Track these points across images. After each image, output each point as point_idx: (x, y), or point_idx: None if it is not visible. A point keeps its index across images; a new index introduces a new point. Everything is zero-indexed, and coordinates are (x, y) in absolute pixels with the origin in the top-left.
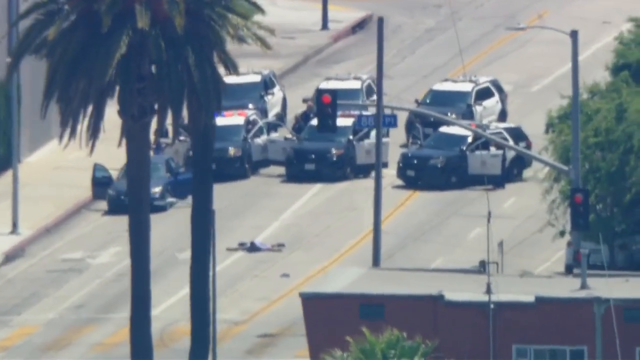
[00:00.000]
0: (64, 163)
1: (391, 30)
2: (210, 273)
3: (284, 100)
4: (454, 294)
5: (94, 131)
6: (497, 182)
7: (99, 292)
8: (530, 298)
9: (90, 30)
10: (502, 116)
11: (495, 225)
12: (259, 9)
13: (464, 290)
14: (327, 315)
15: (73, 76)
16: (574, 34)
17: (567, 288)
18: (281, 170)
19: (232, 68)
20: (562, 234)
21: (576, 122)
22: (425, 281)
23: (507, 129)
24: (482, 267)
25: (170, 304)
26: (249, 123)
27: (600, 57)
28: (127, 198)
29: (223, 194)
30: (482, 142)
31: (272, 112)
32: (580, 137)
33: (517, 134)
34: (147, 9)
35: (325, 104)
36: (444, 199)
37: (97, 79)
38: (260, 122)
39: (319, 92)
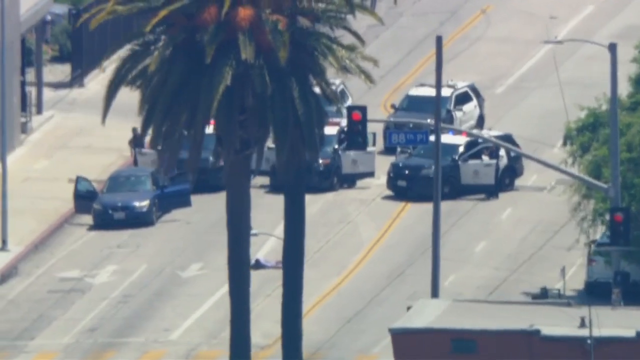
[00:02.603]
0: (32, 174)
1: None
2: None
3: None
4: (550, 329)
5: (194, 166)
6: (491, 192)
7: (110, 315)
8: (631, 333)
9: (191, 61)
10: (480, 121)
11: (498, 240)
12: (360, 40)
13: (555, 324)
14: (417, 351)
15: (174, 108)
16: (612, 47)
17: None
18: (263, 180)
19: (334, 100)
20: (592, 242)
21: (615, 139)
22: (513, 314)
23: (498, 137)
24: (545, 294)
25: (187, 327)
26: None
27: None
28: (114, 212)
29: (208, 207)
30: (476, 152)
31: None
32: (606, 152)
33: (508, 142)
34: (250, 40)
35: (355, 121)
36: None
37: (202, 111)
38: None
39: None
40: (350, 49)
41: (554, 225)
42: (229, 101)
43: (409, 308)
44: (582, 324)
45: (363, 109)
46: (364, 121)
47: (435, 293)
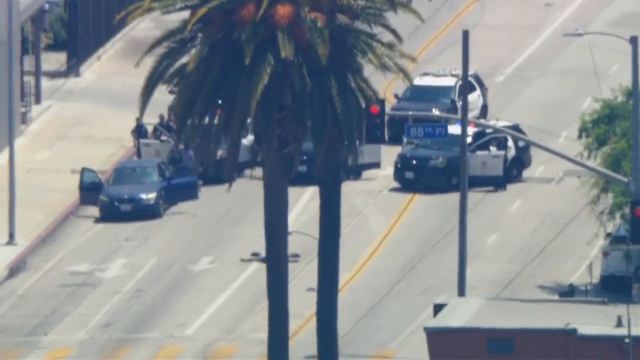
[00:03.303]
0: (34, 165)
1: None
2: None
3: None
4: (587, 328)
5: (232, 166)
6: (499, 183)
7: (123, 310)
8: None
9: (229, 59)
10: (484, 111)
11: (509, 232)
12: (398, 37)
13: (591, 323)
14: (453, 350)
15: (211, 106)
16: (634, 40)
17: None
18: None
19: (371, 98)
20: (608, 235)
21: (636, 132)
22: (548, 312)
23: (506, 128)
24: (572, 292)
25: (203, 322)
26: None
27: (555, 44)
28: (121, 204)
29: (215, 199)
30: (483, 143)
31: None
32: (626, 145)
33: (516, 132)
34: (289, 38)
35: (374, 115)
36: (447, 202)
37: (240, 110)
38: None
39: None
40: (390, 46)
41: (564, 217)
42: (267, 99)
43: (436, 305)
44: (619, 323)
45: (381, 102)
46: (382, 115)
47: (462, 292)
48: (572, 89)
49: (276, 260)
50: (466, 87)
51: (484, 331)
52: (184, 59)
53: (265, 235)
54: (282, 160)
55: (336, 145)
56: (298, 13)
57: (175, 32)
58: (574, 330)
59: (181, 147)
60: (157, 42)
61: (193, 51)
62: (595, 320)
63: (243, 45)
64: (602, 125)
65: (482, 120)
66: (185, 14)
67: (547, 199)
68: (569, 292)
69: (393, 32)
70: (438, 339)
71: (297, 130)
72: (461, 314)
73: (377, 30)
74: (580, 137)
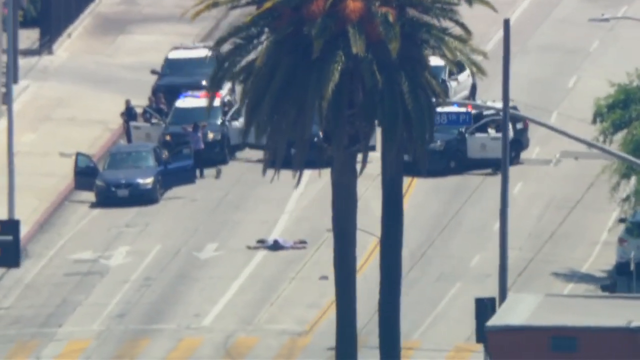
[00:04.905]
0: (20, 148)
1: None
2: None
3: None
4: None
5: (300, 163)
6: (498, 165)
7: (135, 300)
8: None
9: (298, 55)
10: (473, 91)
11: (515, 217)
12: (467, 31)
13: None
14: (515, 349)
15: (280, 103)
16: None
17: None
18: (259, 154)
19: (441, 94)
20: (622, 221)
21: None
22: (609, 309)
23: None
24: (614, 284)
25: (218, 312)
26: (225, 105)
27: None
28: (118, 189)
29: (211, 183)
30: (482, 125)
31: (227, 88)
32: None
33: (513, 115)
34: (360, 33)
35: None
36: (447, 186)
37: (310, 107)
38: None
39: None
40: (462, 40)
41: (568, 201)
42: (337, 96)
43: (477, 300)
44: None
45: None
46: None
47: (502, 297)
48: (554, 65)
49: (344, 259)
50: (507, 79)
51: (546, 329)
52: (253, 56)
53: (333, 234)
54: (351, 158)
55: (404, 143)
56: (369, 8)
57: (242, 28)
58: (639, 329)
59: (189, 129)
60: (224, 39)
61: (262, 47)
62: None
63: (312, 41)
64: (618, 110)
65: (488, 102)
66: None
67: (548, 181)
68: (610, 286)
69: (462, 25)
70: (500, 337)
71: (366, 127)
72: (520, 312)
73: (445, 24)
74: (594, 121)
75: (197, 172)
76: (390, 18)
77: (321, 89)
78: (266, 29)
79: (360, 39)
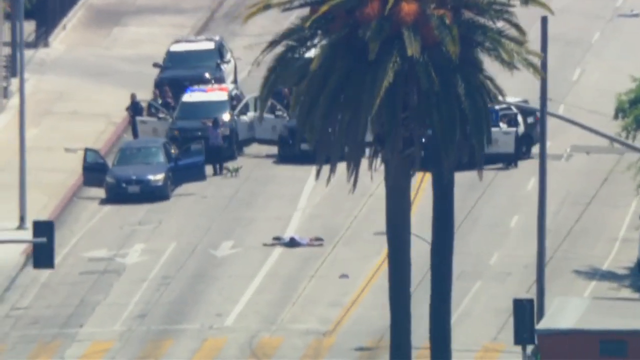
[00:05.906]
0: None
1: None
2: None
3: (235, 68)
4: None
5: (355, 167)
6: (510, 160)
7: (154, 299)
8: None
9: (352, 58)
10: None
11: (531, 213)
12: (522, 32)
13: None
14: (564, 353)
15: (334, 106)
16: None
17: None
18: (268, 149)
19: (496, 97)
20: None
21: None
22: None
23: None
24: None
25: (240, 312)
26: (232, 99)
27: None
28: (128, 186)
29: (219, 180)
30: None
31: (229, 81)
32: None
33: (525, 108)
34: (415, 35)
35: None
36: (459, 181)
37: (365, 109)
38: (247, 98)
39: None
40: (519, 42)
41: (583, 196)
42: (392, 99)
43: (516, 301)
44: None
45: None
46: None
47: (540, 304)
48: (556, 57)
49: (399, 263)
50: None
51: (595, 333)
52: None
53: (387, 238)
54: (404, 162)
55: (460, 145)
56: (424, 10)
57: (296, 30)
58: None
59: (209, 124)
60: (276, 41)
61: (313, 50)
62: None
63: (367, 43)
64: None
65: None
66: None
67: (561, 176)
68: None
69: (517, 27)
70: (549, 340)
71: (420, 130)
72: (569, 315)
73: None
74: (616, 117)
75: (216, 169)
76: (447, 20)
77: (375, 89)
78: (319, 32)
79: (416, 41)
